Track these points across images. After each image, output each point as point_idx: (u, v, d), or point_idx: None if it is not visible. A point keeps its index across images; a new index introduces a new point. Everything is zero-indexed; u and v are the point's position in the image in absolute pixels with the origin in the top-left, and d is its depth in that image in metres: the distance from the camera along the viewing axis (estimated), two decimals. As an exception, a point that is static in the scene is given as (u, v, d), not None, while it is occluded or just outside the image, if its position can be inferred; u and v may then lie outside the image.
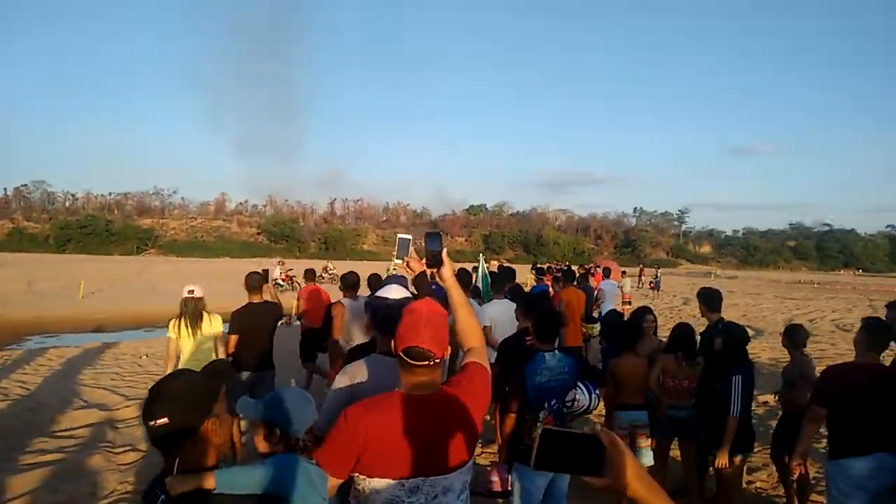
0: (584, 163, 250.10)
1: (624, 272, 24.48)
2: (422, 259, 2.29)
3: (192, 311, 5.31)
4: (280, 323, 6.14)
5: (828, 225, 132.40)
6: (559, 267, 15.66)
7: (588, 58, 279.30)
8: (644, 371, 4.80)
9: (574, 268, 15.98)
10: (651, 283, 31.85)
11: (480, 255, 14.48)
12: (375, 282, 8.12)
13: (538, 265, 18.29)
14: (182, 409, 1.58)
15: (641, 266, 50.04)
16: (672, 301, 27.23)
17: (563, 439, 1.06)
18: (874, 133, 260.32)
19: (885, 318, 3.87)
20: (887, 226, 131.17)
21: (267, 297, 6.10)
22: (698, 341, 5.08)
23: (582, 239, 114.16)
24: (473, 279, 9.52)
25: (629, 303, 16.34)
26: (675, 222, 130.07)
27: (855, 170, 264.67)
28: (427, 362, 1.96)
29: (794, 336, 4.85)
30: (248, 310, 5.64)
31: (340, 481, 1.97)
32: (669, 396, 4.79)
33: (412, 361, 1.96)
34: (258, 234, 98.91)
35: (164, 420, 1.56)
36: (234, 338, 5.51)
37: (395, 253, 2.41)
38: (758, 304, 27.46)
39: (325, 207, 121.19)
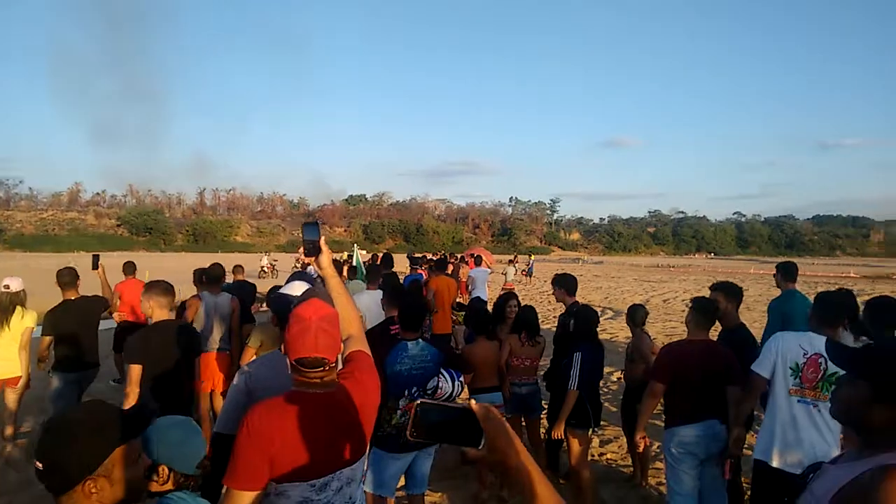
0: (463, 153, 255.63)
1: (511, 260, 25.26)
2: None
3: (4, 306, 5.09)
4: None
5: (682, 212, 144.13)
6: (432, 257, 15.92)
7: (467, 53, 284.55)
8: (497, 354, 4.98)
9: (447, 256, 16.29)
10: (524, 270, 33.07)
11: (355, 245, 14.49)
12: (231, 270, 7.92)
13: (413, 255, 18.46)
14: (70, 453, 1.39)
15: (515, 254, 52.16)
16: (543, 287, 28.42)
17: (439, 412, 1.10)
18: (723, 127, 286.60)
19: (710, 298, 4.22)
20: (734, 213, 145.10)
21: (100, 290, 5.77)
22: (560, 324, 5.34)
23: (461, 228, 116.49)
24: (345, 270, 9.53)
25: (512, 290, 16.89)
26: (548, 211, 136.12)
27: (705, 161, 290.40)
28: (322, 368, 1.92)
29: (634, 315, 5.26)
30: (64, 307, 5.30)
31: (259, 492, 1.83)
32: (513, 375, 5.01)
33: (306, 370, 1.92)
34: (118, 226, 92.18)
35: (47, 462, 1.40)
36: (46, 339, 5.17)
37: (301, 249, 2.36)
38: (619, 287, 29.49)
39: (195, 198, 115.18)
